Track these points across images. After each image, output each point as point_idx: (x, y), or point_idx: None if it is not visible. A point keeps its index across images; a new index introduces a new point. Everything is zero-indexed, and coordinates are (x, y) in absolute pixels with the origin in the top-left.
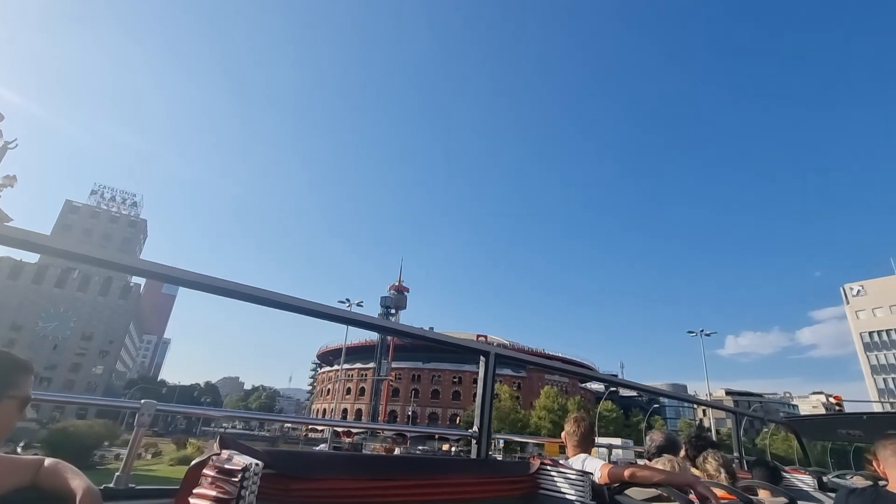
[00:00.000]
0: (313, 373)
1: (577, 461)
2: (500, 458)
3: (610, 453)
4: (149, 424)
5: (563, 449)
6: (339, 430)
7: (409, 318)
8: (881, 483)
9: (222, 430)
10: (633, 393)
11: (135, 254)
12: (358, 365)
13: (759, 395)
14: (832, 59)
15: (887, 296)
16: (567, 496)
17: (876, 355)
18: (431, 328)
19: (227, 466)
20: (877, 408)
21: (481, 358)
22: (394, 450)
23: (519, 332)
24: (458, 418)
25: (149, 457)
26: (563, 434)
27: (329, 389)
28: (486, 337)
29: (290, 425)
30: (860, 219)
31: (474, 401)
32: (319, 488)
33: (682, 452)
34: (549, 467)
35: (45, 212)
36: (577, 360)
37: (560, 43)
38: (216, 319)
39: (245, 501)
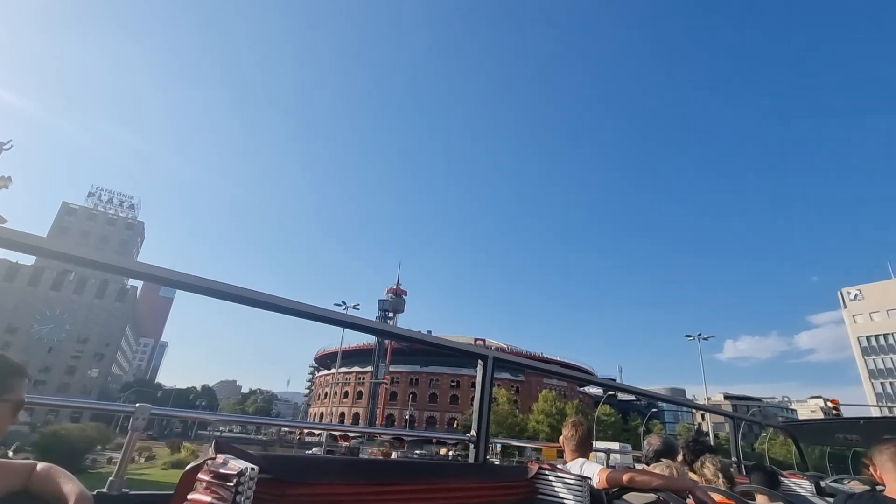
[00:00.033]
0: (311, 376)
1: (576, 466)
2: (497, 462)
3: (608, 458)
4: (143, 428)
5: (560, 453)
6: (336, 433)
7: (407, 321)
8: (878, 488)
9: (218, 433)
10: (632, 397)
11: (132, 256)
12: (356, 368)
13: (758, 400)
14: (830, 64)
15: (885, 300)
16: (565, 501)
17: (874, 359)
18: (429, 332)
19: (222, 471)
20: (875, 412)
21: (479, 362)
22: (391, 454)
23: (517, 335)
24: (455, 422)
25: (142, 461)
26: (561, 438)
27: (326, 393)
28: (484, 341)
29: (287, 429)
30: (857, 223)
31: (472, 405)
32: (316, 493)
33: (680, 457)
34: (547, 472)
35: (43, 213)
36: (575, 364)
37: (559, 46)
38: (214, 323)
39: None
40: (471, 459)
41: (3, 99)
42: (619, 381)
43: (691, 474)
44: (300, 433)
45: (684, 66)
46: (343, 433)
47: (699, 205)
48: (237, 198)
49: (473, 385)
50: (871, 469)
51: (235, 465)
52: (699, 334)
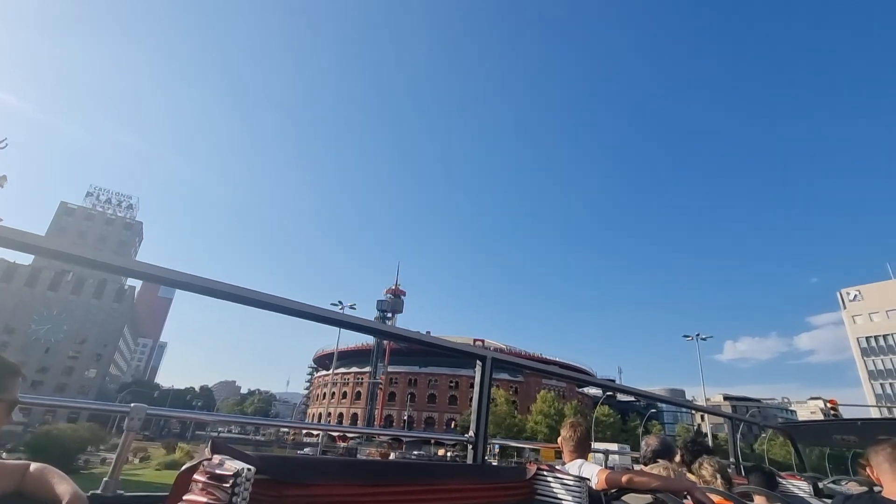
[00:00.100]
0: (309, 377)
1: (574, 466)
2: (495, 463)
3: (606, 458)
4: (139, 428)
5: (559, 454)
6: (335, 434)
7: (406, 322)
8: (876, 489)
9: (216, 434)
10: (631, 398)
11: (130, 256)
12: (354, 369)
13: (757, 401)
14: (829, 66)
15: (884, 300)
16: (564, 502)
17: (873, 360)
18: (428, 332)
19: (218, 472)
20: (874, 412)
21: (478, 362)
22: (389, 455)
23: (516, 336)
24: (454, 423)
25: (136, 461)
26: (559, 439)
27: (325, 394)
28: (483, 341)
29: (286, 429)
30: (857, 224)
31: (471, 405)
32: (313, 494)
33: (678, 458)
34: (545, 473)
35: (42, 214)
36: (574, 365)
37: (559, 47)
38: (214, 323)
39: None
40: (469, 460)
41: (2, 99)
42: (618, 381)
43: (689, 475)
44: (294, 434)
45: (684, 67)
46: (341, 434)
47: (699, 205)
48: (236, 198)
49: (472, 386)
50: (867, 470)
51: (232, 465)
52: (697, 334)
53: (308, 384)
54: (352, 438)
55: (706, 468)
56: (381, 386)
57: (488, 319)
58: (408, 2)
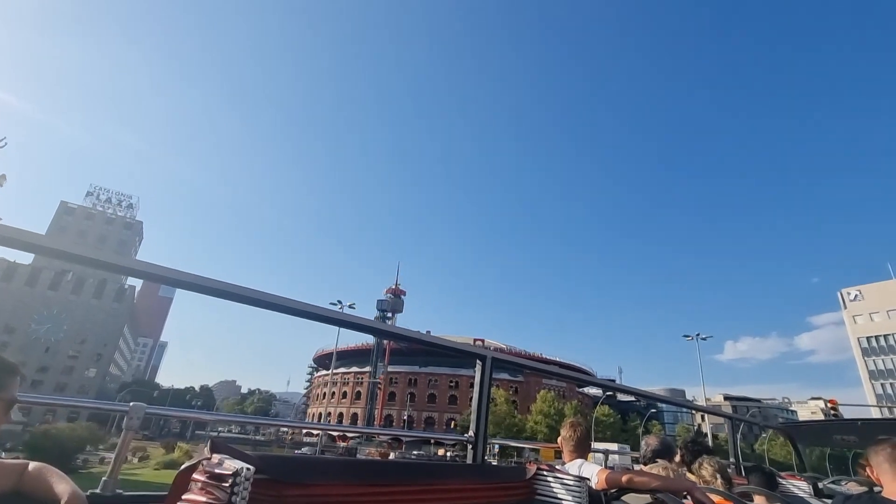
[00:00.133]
0: (309, 376)
1: (574, 466)
2: (495, 463)
3: (606, 458)
4: (138, 428)
5: (559, 454)
6: (334, 434)
7: (406, 322)
8: (875, 489)
9: (216, 434)
10: (631, 398)
11: (130, 256)
12: (354, 369)
13: (758, 401)
14: (829, 65)
15: (885, 300)
16: (564, 502)
17: (874, 360)
18: (428, 332)
19: (217, 471)
20: (875, 412)
21: (478, 362)
22: (389, 455)
23: (516, 336)
24: (453, 423)
25: (135, 461)
26: (559, 439)
27: (325, 393)
28: (483, 341)
29: (286, 429)
30: (857, 224)
31: (471, 405)
32: (312, 494)
33: (678, 457)
34: (545, 473)
35: (42, 214)
36: (574, 365)
37: (558, 49)
38: (215, 323)
39: None
40: (469, 460)
41: (2, 99)
42: (618, 381)
43: (689, 475)
44: (293, 433)
45: (684, 67)
46: (341, 433)
47: (699, 205)
48: (236, 198)
49: (472, 385)
50: (867, 470)
51: (231, 465)
52: (697, 334)
53: (308, 384)
54: (351, 438)
55: (706, 468)
56: (380, 385)
57: (488, 319)
58: (407, 2)
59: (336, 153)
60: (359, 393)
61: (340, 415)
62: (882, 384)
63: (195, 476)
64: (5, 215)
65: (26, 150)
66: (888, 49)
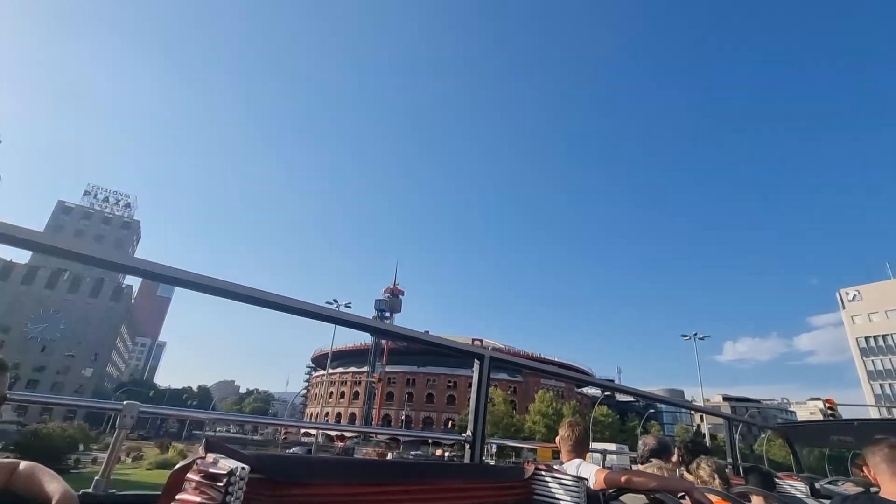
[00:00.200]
0: (308, 376)
1: (572, 466)
2: (493, 463)
3: (604, 458)
4: (133, 427)
5: (556, 454)
6: (332, 434)
7: (405, 322)
8: (872, 489)
9: (213, 434)
10: (630, 398)
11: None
12: (352, 369)
13: (757, 401)
14: (828, 66)
15: (883, 300)
16: (562, 502)
17: (872, 360)
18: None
19: (211, 471)
20: (873, 412)
21: (476, 361)
22: (386, 455)
23: (515, 337)
24: (451, 423)
25: (129, 460)
26: (557, 439)
27: (322, 393)
28: (481, 341)
29: (279, 428)
30: (856, 225)
31: (469, 405)
32: (309, 494)
33: (676, 458)
34: (543, 473)
35: (40, 214)
36: (573, 365)
37: (556, 51)
38: (214, 324)
39: None
40: (466, 460)
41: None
42: (617, 382)
43: (687, 475)
44: (287, 432)
45: (683, 70)
46: (339, 433)
47: (698, 206)
48: (234, 198)
49: (470, 385)
50: (864, 470)
51: (225, 464)
52: (695, 334)
53: (306, 383)
54: (349, 438)
55: (704, 468)
56: (374, 383)
57: (487, 320)
58: (404, 5)
59: (334, 153)
60: (357, 393)
61: (338, 415)
62: (881, 384)
63: (189, 476)
64: (1, 215)
65: (25, 150)
66: (888, 48)
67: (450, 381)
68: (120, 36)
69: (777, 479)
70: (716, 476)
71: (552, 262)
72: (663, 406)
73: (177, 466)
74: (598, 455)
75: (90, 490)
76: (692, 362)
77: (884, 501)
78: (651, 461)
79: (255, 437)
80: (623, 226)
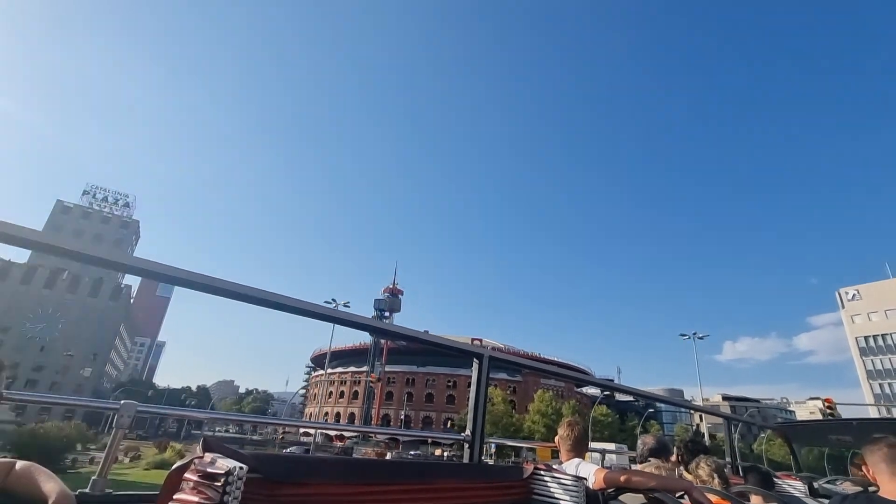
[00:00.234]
0: (307, 376)
1: (571, 466)
2: (492, 462)
3: (603, 458)
4: (132, 427)
5: (555, 454)
6: (331, 433)
7: (404, 321)
8: (871, 489)
9: (212, 434)
10: (630, 398)
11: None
12: (352, 368)
13: (756, 401)
14: (826, 65)
15: (883, 300)
16: (561, 502)
17: (872, 360)
18: (426, 331)
19: (209, 470)
20: (872, 411)
21: (475, 360)
22: (385, 455)
23: (515, 337)
24: (450, 422)
25: (126, 460)
26: (556, 438)
27: (322, 393)
28: (481, 340)
29: (276, 428)
30: (855, 224)
31: (468, 404)
32: (307, 493)
33: (675, 457)
34: (542, 472)
35: (39, 214)
36: (572, 365)
37: (555, 50)
38: (213, 324)
39: None
40: (465, 459)
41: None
42: (617, 381)
43: (686, 474)
44: (284, 432)
45: (684, 70)
46: (338, 433)
47: (698, 206)
48: (233, 198)
49: (470, 385)
50: (863, 469)
51: (223, 464)
52: (694, 333)
53: (305, 383)
54: (348, 438)
55: (703, 468)
56: (371, 382)
57: (487, 320)
58: (404, 4)
59: (333, 154)
60: (356, 393)
61: (338, 414)
62: (880, 384)
63: (187, 475)
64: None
65: (23, 150)
66: (888, 48)
67: (449, 381)
68: (120, 34)
69: (776, 479)
70: (715, 475)
71: (552, 261)
72: (663, 406)
73: (174, 466)
74: (596, 455)
75: (87, 490)
76: (692, 362)
77: (883, 501)
78: (649, 460)
79: (254, 437)
80: (623, 225)
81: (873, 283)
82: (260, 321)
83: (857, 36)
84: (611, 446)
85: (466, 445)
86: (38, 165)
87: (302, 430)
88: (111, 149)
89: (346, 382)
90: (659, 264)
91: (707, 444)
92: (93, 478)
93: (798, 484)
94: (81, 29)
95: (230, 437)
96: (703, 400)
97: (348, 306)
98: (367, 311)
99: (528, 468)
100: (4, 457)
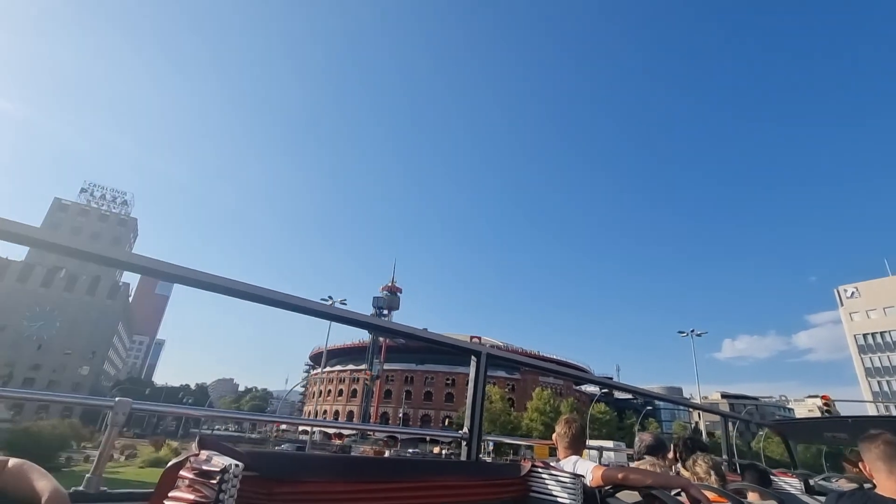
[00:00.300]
0: (306, 374)
1: (568, 463)
2: (490, 460)
3: (601, 455)
4: (129, 425)
5: (553, 451)
6: (329, 431)
7: (403, 319)
8: (866, 486)
9: (210, 432)
10: (629, 396)
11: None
12: (350, 366)
13: (755, 399)
14: (827, 65)
15: (882, 298)
16: (558, 499)
17: (870, 357)
18: (425, 329)
19: (205, 468)
20: (870, 408)
21: (473, 358)
22: (384, 452)
23: (514, 335)
24: (449, 420)
25: (122, 458)
26: (554, 436)
27: (320, 391)
28: (479, 338)
29: (283, 427)
30: (854, 222)
31: (466, 402)
32: (304, 491)
33: (672, 454)
34: (540, 470)
35: (37, 214)
36: (571, 363)
37: (557, 49)
38: (213, 322)
39: None
40: (463, 457)
41: None
42: (616, 379)
43: (683, 471)
44: (279, 430)
45: (685, 70)
46: (336, 431)
47: (697, 205)
48: (232, 197)
49: (468, 383)
50: (860, 465)
51: (219, 461)
52: (692, 331)
53: (304, 381)
54: (347, 436)
55: (700, 465)
56: (367, 381)
57: (486, 318)
58: (406, 1)
59: (332, 152)
60: (355, 391)
61: (336, 412)
62: (878, 381)
63: (182, 473)
64: None
65: (22, 150)
66: (888, 47)
67: (448, 379)
68: (119, 32)
69: (772, 476)
70: (712, 473)
71: (552, 259)
72: (661, 403)
73: (170, 464)
74: (594, 452)
75: (81, 488)
76: (691, 360)
77: (879, 498)
78: (645, 458)
79: (253, 436)
80: (622, 223)
81: (872, 280)
82: (260, 319)
83: (856, 35)
84: (609, 444)
85: (464, 443)
86: (35, 163)
87: (300, 428)
88: (109, 146)
89: (344, 380)
90: (659, 262)
91: (706, 441)
92: (87, 475)
93: (794, 481)
94: (79, 25)
95: (228, 436)
96: (701, 398)
97: (345, 304)
98: (365, 309)
99: (526, 465)
100: None
